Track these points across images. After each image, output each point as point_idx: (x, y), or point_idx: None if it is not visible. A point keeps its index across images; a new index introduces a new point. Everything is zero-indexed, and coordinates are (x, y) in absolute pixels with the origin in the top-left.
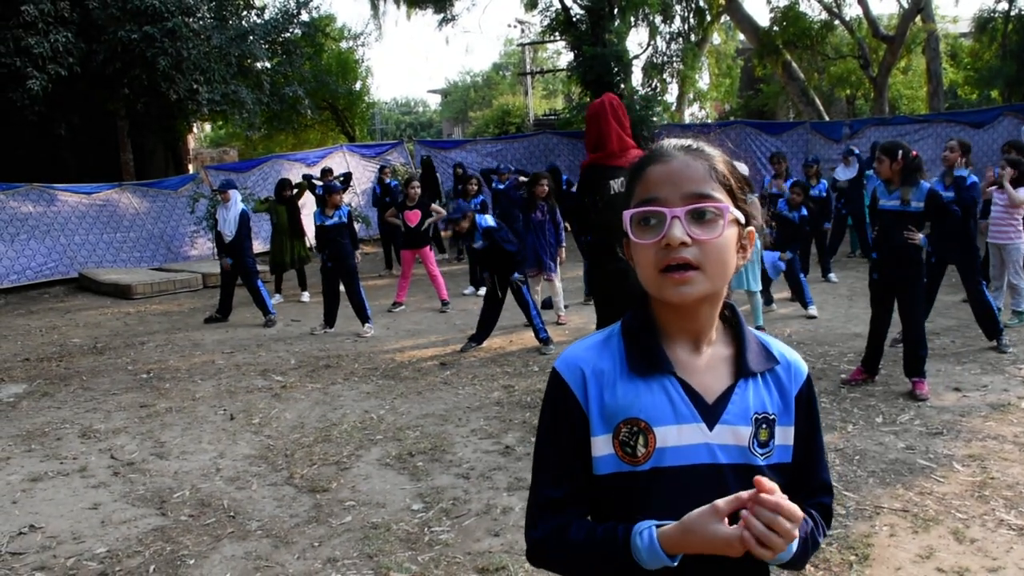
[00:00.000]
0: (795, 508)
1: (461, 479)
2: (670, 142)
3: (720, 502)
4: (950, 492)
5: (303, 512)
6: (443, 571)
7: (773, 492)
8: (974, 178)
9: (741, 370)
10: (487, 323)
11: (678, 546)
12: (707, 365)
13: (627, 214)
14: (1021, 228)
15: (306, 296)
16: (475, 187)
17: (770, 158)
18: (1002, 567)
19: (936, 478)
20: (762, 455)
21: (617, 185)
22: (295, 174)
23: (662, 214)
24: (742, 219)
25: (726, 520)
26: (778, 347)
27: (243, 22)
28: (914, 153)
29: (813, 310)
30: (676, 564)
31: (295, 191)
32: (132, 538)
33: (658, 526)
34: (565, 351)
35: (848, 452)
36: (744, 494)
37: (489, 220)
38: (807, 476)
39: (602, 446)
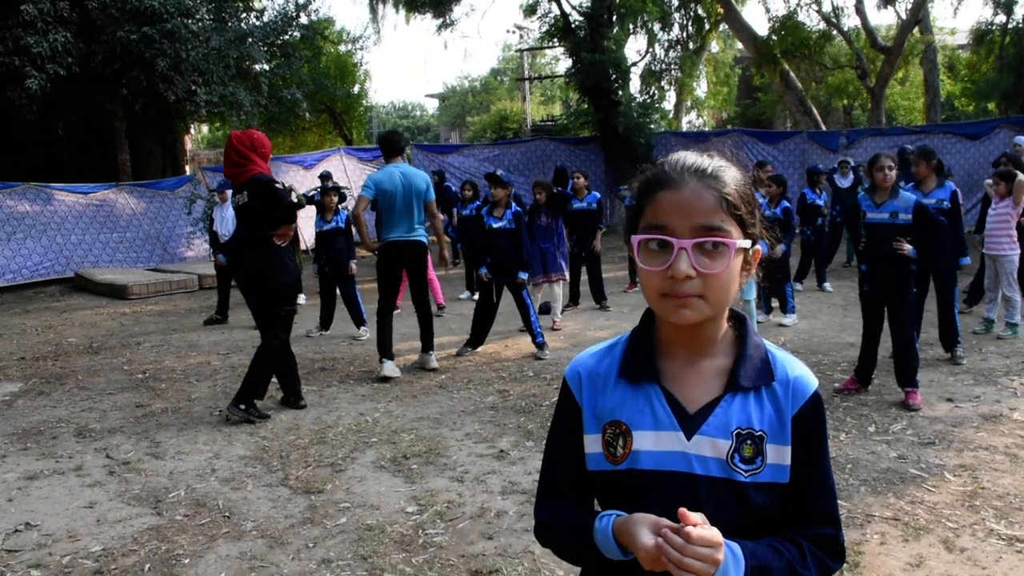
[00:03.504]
0: (714, 534)
1: (455, 482)
2: (683, 162)
3: (664, 520)
4: (941, 501)
5: (298, 513)
6: (437, 573)
7: (696, 524)
8: (952, 185)
9: (730, 384)
10: (482, 327)
11: (621, 535)
12: (699, 377)
13: (635, 239)
14: (1016, 240)
15: (302, 299)
16: (469, 193)
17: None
18: None
19: (927, 487)
20: (746, 472)
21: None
22: (292, 176)
23: (670, 244)
24: (749, 245)
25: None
26: (786, 365)
27: (242, 24)
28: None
29: (788, 319)
30: (628, 559)
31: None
32: (127, 537)
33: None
34: (576, 357)
35: (840, 461)
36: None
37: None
38: (803, 502)
39: (592, 444)
